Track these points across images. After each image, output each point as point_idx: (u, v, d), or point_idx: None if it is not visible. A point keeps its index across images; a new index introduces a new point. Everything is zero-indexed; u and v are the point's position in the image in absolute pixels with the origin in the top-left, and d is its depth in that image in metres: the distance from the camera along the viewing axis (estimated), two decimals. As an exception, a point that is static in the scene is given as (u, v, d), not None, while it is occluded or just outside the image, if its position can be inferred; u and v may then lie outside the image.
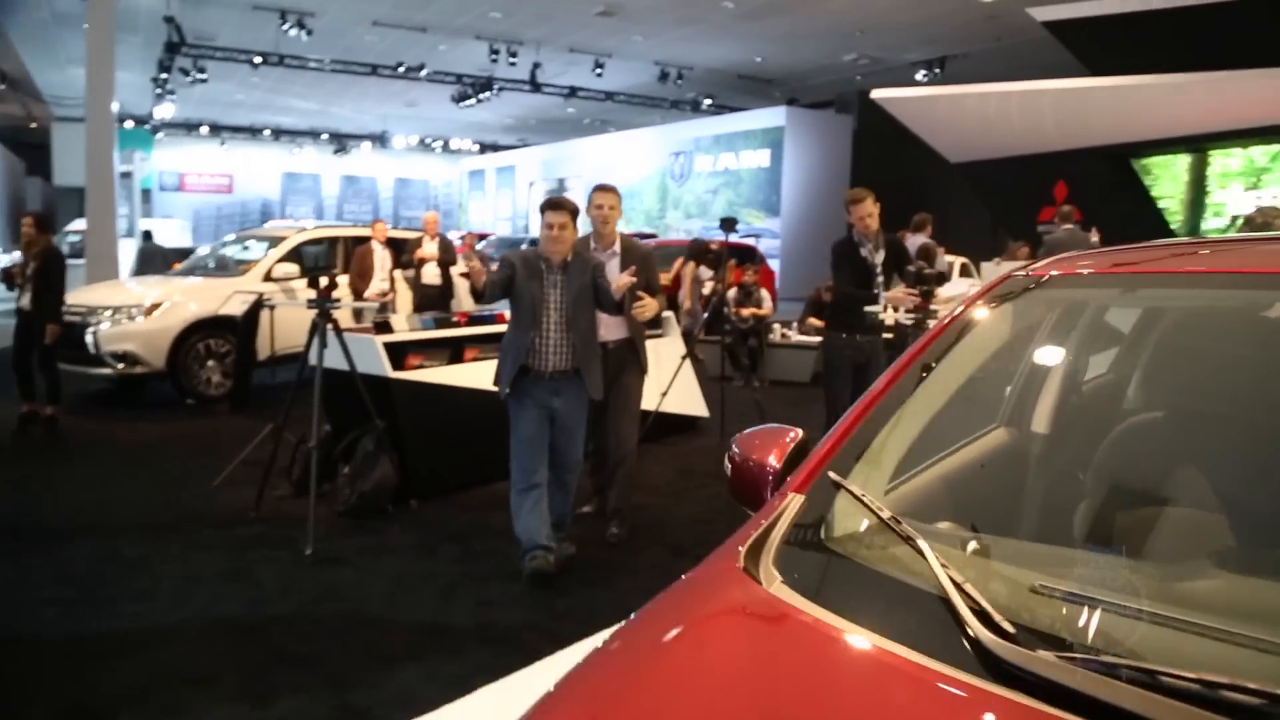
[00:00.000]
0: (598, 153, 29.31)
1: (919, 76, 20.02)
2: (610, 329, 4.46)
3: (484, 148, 35.79)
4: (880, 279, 5.16)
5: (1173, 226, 15.14)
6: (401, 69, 20.59)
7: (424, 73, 20.76)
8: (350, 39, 19.04)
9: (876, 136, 23.93)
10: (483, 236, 22.73)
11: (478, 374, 5.31)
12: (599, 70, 20.59)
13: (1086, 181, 15.22)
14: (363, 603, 3.77)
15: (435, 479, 5.20)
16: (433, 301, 8.91)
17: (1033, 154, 15.54)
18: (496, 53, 19.02)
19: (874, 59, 20.54)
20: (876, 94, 16.46)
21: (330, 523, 4.61)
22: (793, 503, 1.47)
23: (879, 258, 5.18)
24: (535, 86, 21.06)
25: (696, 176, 25.71)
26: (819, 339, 9.62)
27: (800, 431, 1.74)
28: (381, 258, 8.96)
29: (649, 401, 5.44)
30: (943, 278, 5.14)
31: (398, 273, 9.07)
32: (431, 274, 9.00)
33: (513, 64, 19.44)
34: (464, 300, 9.90)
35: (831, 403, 5.25)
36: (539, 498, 3.98)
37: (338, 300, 4.57)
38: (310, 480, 4.38)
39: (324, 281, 4.55)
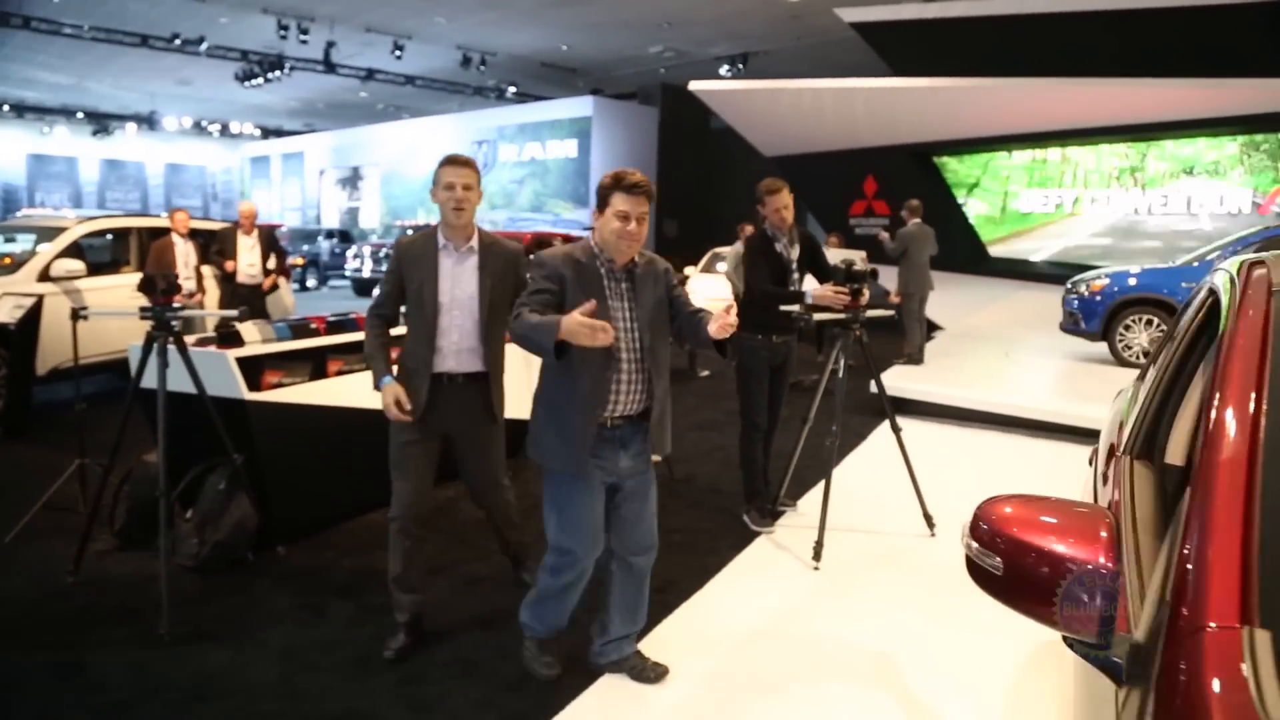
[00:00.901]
0: (395, 140, 27.84)
1: (723, 71, 20.26)
2: (461, 358, 3.27)
3: (266, 132, 33.12)
4: (796, 276, 4.82)
5: (971, 222, 16.13)
6: (177, 41, 18.42)
7: (203, 47, 18.68)
8: (113, 3, 16.78)
9: (681, 129, 24.16)
10: (274, 228, 20.91)
11: (344, 390, 4.52)
12: (398, 52, 19.39)
13: (893, 177, 15.89)
14: (253, 696, 2.94)
15: (303, 517, 4.36)
16: (247, 301, 7.80)
17: (844, 149, 16.02)
18: (286, 28, 17.41)
19: (679, 52, 20.60)
20: (694, 85, 16.40)
21: (178, 583, 3.69)
22: (1258, 642, 0.96)
23: (794, 253, 4.85)
24: (329, 67, 19.55)
25: (501, 166, 24.94)
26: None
27: (1108, 513, 1.26)
28: (184, 252, 7.73)
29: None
30: (876, 274, 4.87)
31: (206, 269, 7.86)
32: (250, 271, 7.86)
33: (304, 42, 17.90)
34: (285, 299, 8.78)
35: (749, 409, 4.87)
36: (584, 585, 3.07)
37: (181, 307, 3.66)
38: (161, 535, 3.45)
39: (162, 284, 3.63)
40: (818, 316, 4.58)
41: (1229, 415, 1.26)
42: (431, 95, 24.53)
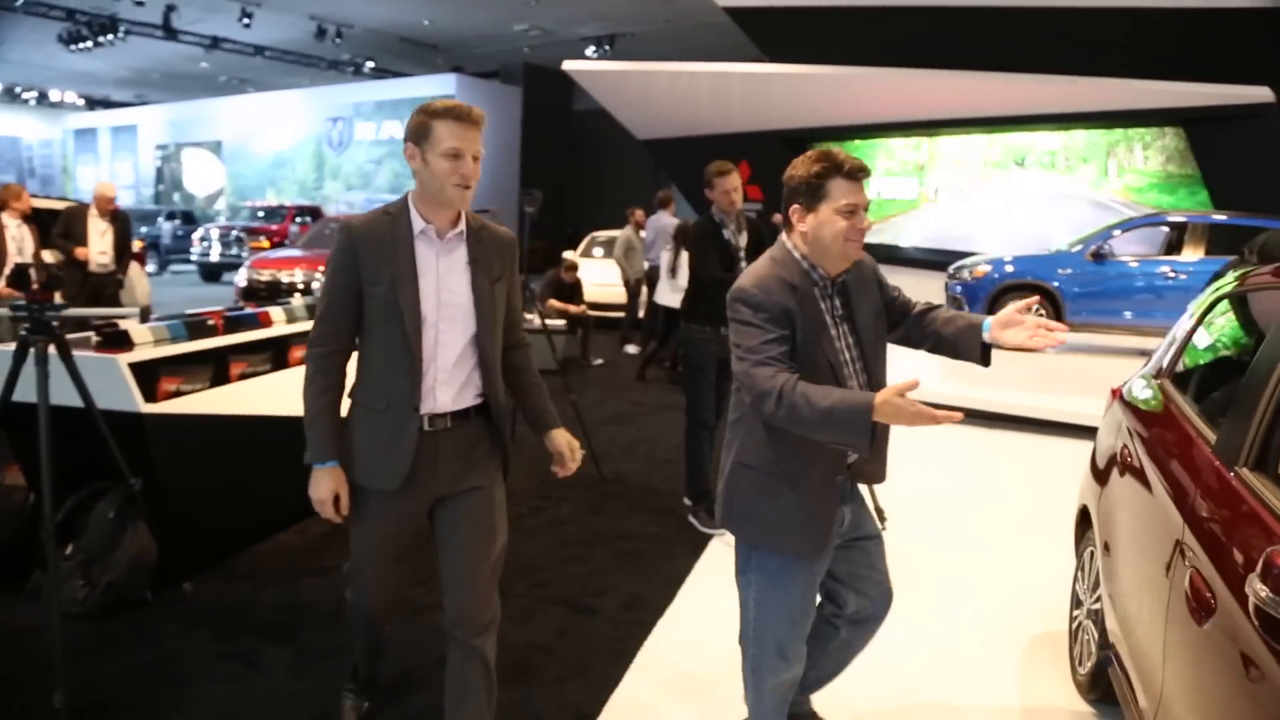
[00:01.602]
0: (240, 114, 26.08)
1: (589, 52, 19.89)
2: (454, 390, 2.31)
3: (92, 103, 30.30)
4: (743, 264, 4.57)
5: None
6: (-14, -4, 16.51)
7: (19, 2, 16.75)
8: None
9: (544, 110, 23.62)
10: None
11: (252, 395, 3.96)
12: (246, 20, 18.02)
13: (768, 163, 15.96)
14: (189, 775, 2.44)
15: (210, 546, 3.79)
16: (98, 293, 6.93)
17: (719, 134, 15.96)
18: (119, -13, 15.87)
19: (544, 31, 20.08)
20: (568, 65, 15.96)
21: (65, 636, 3.07)
22: None
23: (742, 240, 4.59)
24: (169, 33, 17.94)
25: (358, 145, 23.72)
26: (564, 321, 9.05)
27: None
28: (17, 236, 6.77)
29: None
30: None
31: (48, 254, 6.91)
32: (102, 260, 6.97)
33: (139, 4, 16.33)
34: (137, 288, 7.88)
35: (696, 405, 4.59)
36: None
37: (64, 305, 3.03)
38: (50, 579, 2.84)
39: (36, 275, 2.99)
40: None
41: None
42: (281, 68, 23.00)
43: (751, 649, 2.33)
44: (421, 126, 2.19)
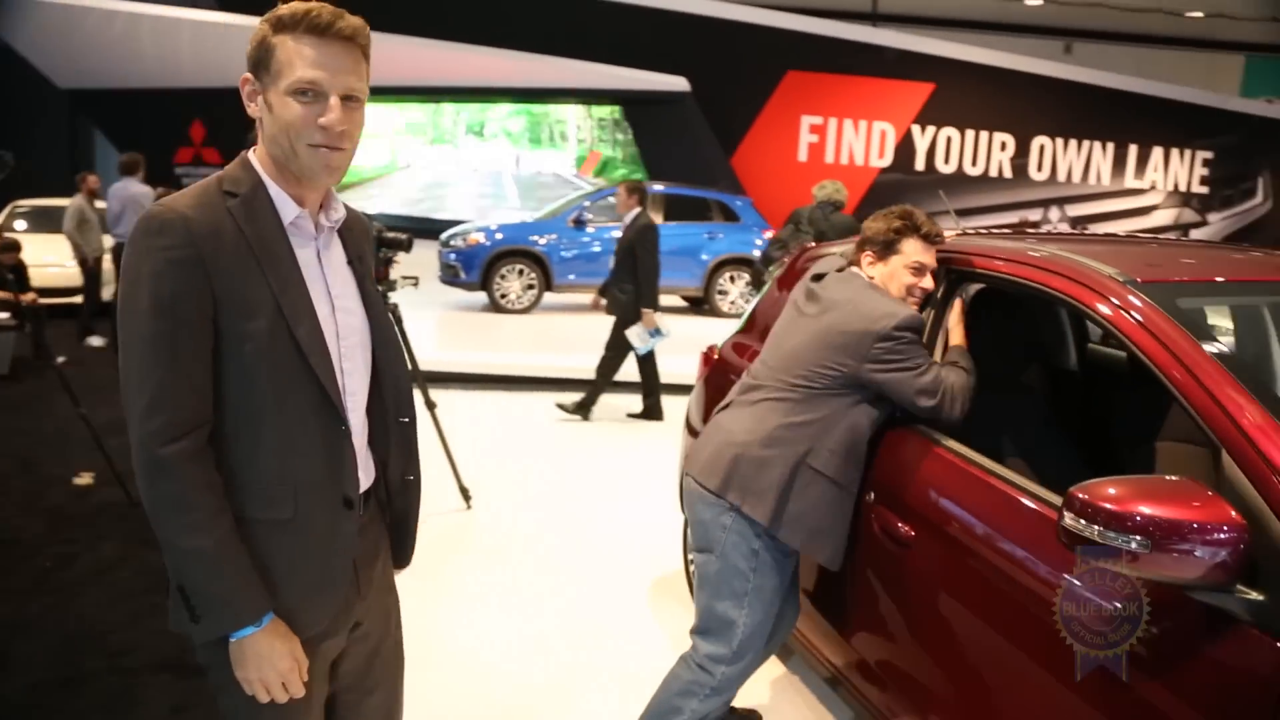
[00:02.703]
0: None
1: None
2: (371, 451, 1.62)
3: None
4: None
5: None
6: None
7: None
8: None
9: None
10: None
11: None
12: None
13: (226, 123, 14.54)
14: None
15: None
16: None
17: (167, 88, 14.14)
18: None
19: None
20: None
21: None
22: None
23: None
24: None
25: None
26: (7, 315, 7.30)
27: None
28: None
29: None
30: (411, 242, 4.18)
31: None
32: None
33: None
34: None
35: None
36: None
37: None
38: None
39: None
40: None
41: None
42: None
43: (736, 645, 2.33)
44: (262, 48, 1.38)
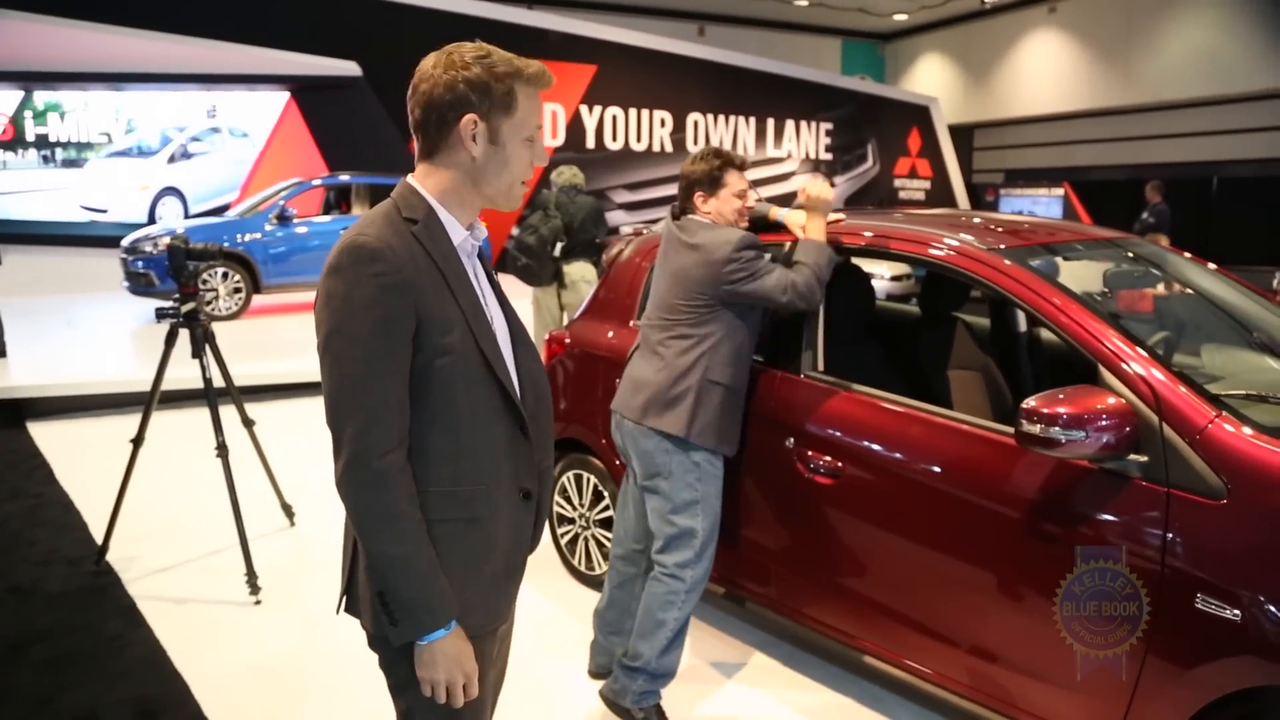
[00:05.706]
0: None
1: None
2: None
3: None
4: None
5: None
6: None
7: None
8: None
9: None
10: None
11: None
12: None
13: None
14: None
15: None
16: None
17: None
18: None
19: None
20: None
21: None
22: None
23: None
24: None
25: None
26: None
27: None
28: None
29: None
30: (221, 251, 3.88)
31: None
32: None
33: None
34: None
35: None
36: None
37: None
38: None
39: None
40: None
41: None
42: None
43: (698, 548, 2.74)
44: (502, 91, 1.55)
